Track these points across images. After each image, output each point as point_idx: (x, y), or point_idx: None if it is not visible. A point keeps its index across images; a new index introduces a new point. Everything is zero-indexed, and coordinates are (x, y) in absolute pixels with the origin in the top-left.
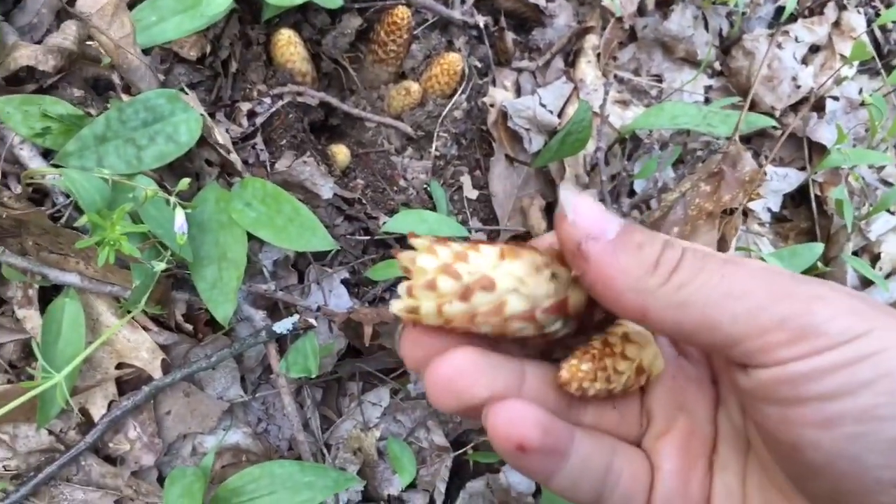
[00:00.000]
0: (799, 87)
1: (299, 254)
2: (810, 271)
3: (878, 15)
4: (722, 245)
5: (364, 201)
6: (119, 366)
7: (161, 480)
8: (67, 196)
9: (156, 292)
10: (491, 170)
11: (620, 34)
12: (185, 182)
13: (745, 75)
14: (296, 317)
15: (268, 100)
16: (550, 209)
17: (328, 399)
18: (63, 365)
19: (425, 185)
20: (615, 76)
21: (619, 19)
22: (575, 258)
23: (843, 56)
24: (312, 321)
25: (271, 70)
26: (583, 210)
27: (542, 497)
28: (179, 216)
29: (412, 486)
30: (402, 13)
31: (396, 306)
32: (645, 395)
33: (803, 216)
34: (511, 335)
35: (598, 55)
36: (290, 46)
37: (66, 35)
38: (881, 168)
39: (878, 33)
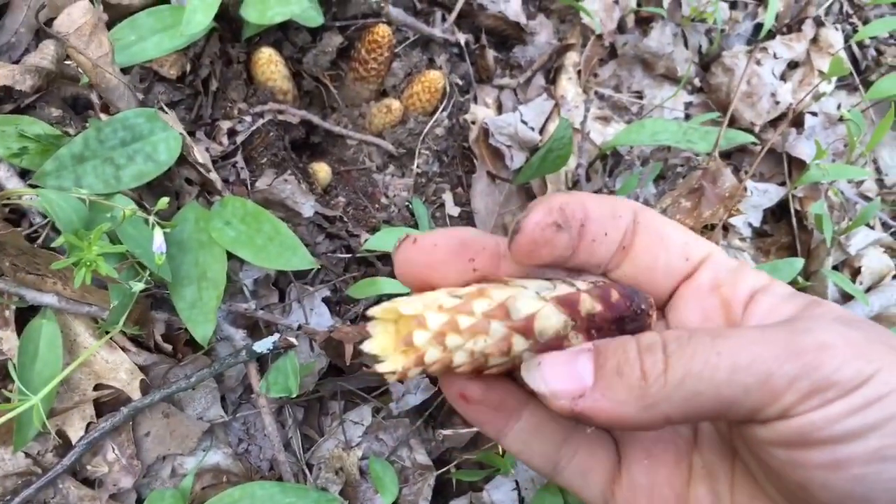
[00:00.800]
0: (778, 102)
1: (280, 272)
2: (790, 286)
3: (855, 31)
4: None
5: (345, 219)
6: (97, 387)
7: (140, 503)
8: (44, 216)
9: (134, 312)
10: (473, 187)
11: (601, 51)
12: (163, 201)
13: (725, 91)
14: (276, 336)
15: (248, 118)
16: None
17: (310, 418)
18: (40, 387)
19: (407, 203)
20: (596, 93)
21: (600, 37)
22: (578, 420)
23: (821, 72)
24: (293, 340)
25: (252, 88)
26: (551, 377)
27: None
28: (158, 236)
29: None
30: (383, 31)
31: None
32: None
33: (784, 231)
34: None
35: (579, 72)
36: (270, 65)
37: (45, 55)
38: (860, 182)
39: (855, 49)
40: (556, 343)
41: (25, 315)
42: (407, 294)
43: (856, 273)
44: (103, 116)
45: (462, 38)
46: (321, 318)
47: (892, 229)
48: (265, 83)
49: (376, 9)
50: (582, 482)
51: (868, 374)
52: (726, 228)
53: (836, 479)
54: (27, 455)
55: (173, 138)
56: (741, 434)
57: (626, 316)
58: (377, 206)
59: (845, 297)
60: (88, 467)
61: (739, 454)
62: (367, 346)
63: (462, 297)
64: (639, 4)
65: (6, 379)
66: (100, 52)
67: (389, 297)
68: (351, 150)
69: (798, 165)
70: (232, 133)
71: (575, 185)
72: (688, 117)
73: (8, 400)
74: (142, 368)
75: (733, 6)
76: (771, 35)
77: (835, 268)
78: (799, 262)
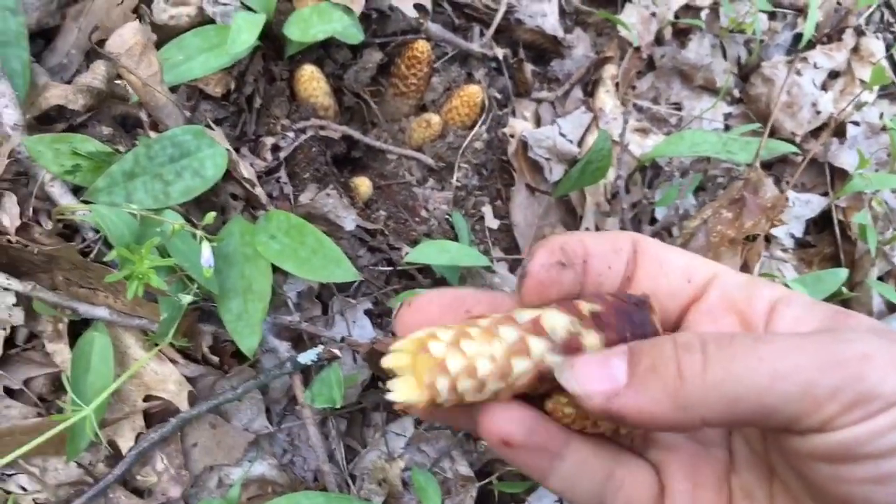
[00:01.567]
0: (819, 112)
1: (323, 285)
2: (835, 297)
3: None
4: (745, 271)
5: (386, 232)
6: (146, 398)
7: None
8: (97, 231)
9: (183, 325)
10: (512, 200)
11: (638, 63)
12: (210, 216)
13: (765, 102)
14: (320, 347)
15: (291, 134)
16: None
17: (352, 430)
18: (92, 398)
19: (447, 216)
20: (634, 105)
21: (637, 49)
22: (612, 421)
23: (862, 81)
24: (337, 352)
25: (294, 105)
26: (585, 377)
27: None
28: (206, 250)
29: None
30: (423, 47)
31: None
32: None
33: (826, 241)
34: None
35: (617, 84)
36: (312, 81)
37: (96, 75)
38: None
39: None
40: (574, 342)
41: (77, 328)
42: None
43: None
44: (152, 134)
45: (500, 52)
46: (363, 331)
47: None
48: (307, 99)
49: (415, 25)
50: None
51: None
52: (768, 239)
53: (881, 494)
54: (79, 465)
55: (219, 154)
56: (781, 449)
57: (628, 309)
58: (417, 219)
59: (890, 308)
60: (138, 477)
61: (778, 473)
62: (393, 396)
63: (463, 323)
64: (676, 16)
65: (59, 390)
66: (149, 72)
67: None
68: (391, 164)
69: (840, 175)
70: (275, 149)
71: (614, 197)
72: (727, 128)
73: (61, 411)
74: (189, 380)
75: (772, 16)
76: (811, 45)
77: (880, 278)
78: (843, 273)
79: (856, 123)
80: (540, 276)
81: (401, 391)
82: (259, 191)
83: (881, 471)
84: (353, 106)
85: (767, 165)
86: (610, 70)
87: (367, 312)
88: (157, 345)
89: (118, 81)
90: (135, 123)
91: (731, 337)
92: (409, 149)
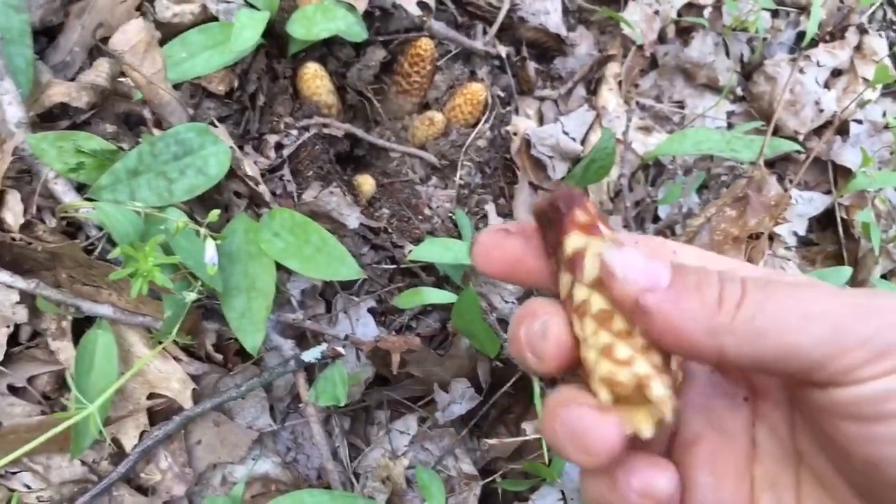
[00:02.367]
0: (822, 110)
1: (326, 283)
2: None
3: None
4: None
5: (390, 230)
6: (150, 396)
7: None
8: (100, 229)
9: (186, 323)
10: (515, 197)
11: (641, 62)
12: (214, 214)
13: (768, 100)
14: (324, 345)
15: (294, 132)
16: None
17: (356, 428)
18: (96, 396)
19: (450, 214)
20: (637, 103)
21: (640, 47)
22: (635, 315)
23: (865, 79)
24: (341, 350)
25: (298, 103)
26: (630, 264)
27: None
28: (210, 248)
29: None
30: (426, 45)
31: None
32: None
33: (830, 240)
34: None
35: (620, 83)
36: (316, 79)
37: (99, 72)
38: None
39: None
40: None
41: (81, 326)
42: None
43: None
44: (156, 131)
45: (503, 50)
46: (367, 329)
47: None
48: (310, 97)
49: (418, 23)
50: None
51: None
52: (771, 238)
53: None
54: (83, 463)
55: (223, 152)
56: (808, 413)
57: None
58: (420, 217)
59: None
60: (142, 475)
61: (805, 458)
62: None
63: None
64: (679, 14)
65: (63, 388)
66: (153, 69)
67: (434, 306)
68: (394, 162)
69: (843, 173)
70: (279, 147)
71: (617, 195)
72: (730, 126)
73: (65, 408)
74: (193, 378)
75: (775, 15)
76: (814, 43)
77: (883, 276)
78: (847, 271)
79: (859, 122)
80: (482, 239)
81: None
82: (263, 188)
83: None
84: (356, 104)
85: (770, 163)
86: (613, 68)
87: (371, 310)
88: (160, 342)
89: (121, 79)
90: (138, 121)
91: (767, 280)
92: (412, 147)
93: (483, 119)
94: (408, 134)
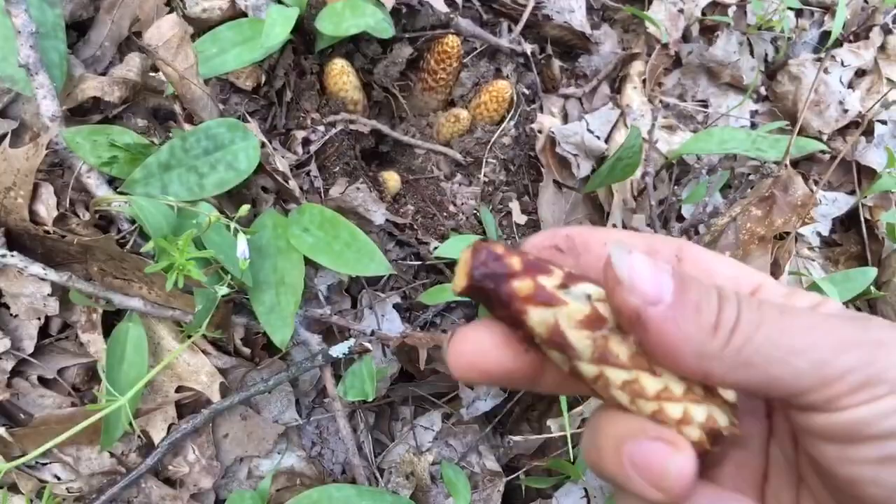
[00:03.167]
0: (846, 111)
1: (352, 279)
2: (863, 296)
3: None
4: (775, 269)
5: (415, 227)
6: (178, 389)
7: (219, 503)
8: (132, 222)
9: (216, 317)
10: (539, 195)
11: (666, 60)
12: (245, 208)
13: (791, 100)
14: (352, 341)
15: (321, 128)
16: None
17: (381, 423)
18: (126, 388)
19: (475, 211)
20: (661, 101)
21: (665, 46)
22: (633, 325)
23: (889, 80)
24: (368, 345)
25: (324, 99)
26: (638, 271)
27: None
28: (241, 242)
29: None
30: (452, 42)
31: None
32: None
33: (853, 240)
34: None
35: (644, 81)
36: (342, 76)
37: (131, 67)
38: None
39: None
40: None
41: (110, 319)
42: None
43: None
44: (186, 126)
45: (528, 48)
46: (392, 324)
47: None
48: (337, 94)
49: (445, 20)
50: None
51: None
52: (795, 238)
53: (887, 475)
54: (112, 455)
55: (253, 147)
56: (793, 419)
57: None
58: (445, 214)
59: None
60: (170, 467)
61: (805, 479)
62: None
63: None
64: (704, 13)
65: (92, 380)
66: (186, 65)
67: (458, 302)
68: (419, 158)
69: (868, 174)
70: (306, 142)
71: (641, 193)
72: (753, 126)
73: (94, 400)
74: (221, 371)
75: (800, 14)
76: (838, 43)
77: None
78: (872, 272)
79: (883, 122)
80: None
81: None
82: (293, 184)
83: (885, 452)
84: (382, 100)
85: (794, 163)
86: (637, 66)
87: (396, 306)
88: (190, 336)
89: (152, 74)
90: (166, 116)
91: (759, 303)
92: (437, 143)
93: (508, 116)
94: (433, 131)
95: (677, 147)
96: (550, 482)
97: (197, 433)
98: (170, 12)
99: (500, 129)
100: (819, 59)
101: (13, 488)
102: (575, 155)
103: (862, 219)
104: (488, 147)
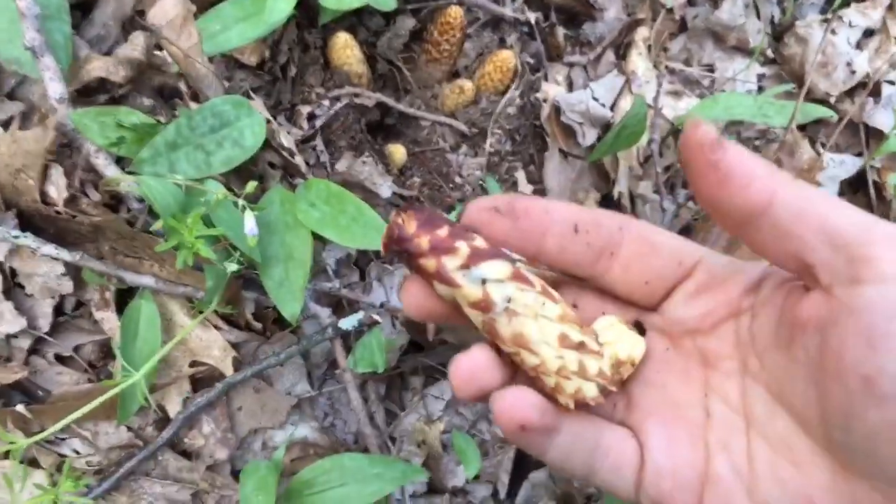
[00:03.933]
0: (854, 72)
1: (360, 252)
2: None
3: None
4: None
5: (421, 199)
6: (192, 364)
7: (234, 474)
8: (141, 201)
9: (227, 292)
10: (545, 164)
11: (671, 25)
12: (252, 185)
13: (799, 62)
14: (361, 313)
15: (326, 102)
16: (605, 202)
17: (391, 393)
18: (141, 364)
19: (481, 182)
20: (666, 67)
21: (670, 10)
22: (703, 153)
23: None
24: (377, 317)
25: (328, 73)
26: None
27: None
28: (249, 219)
29: (476, 477)
30: (455, 13)
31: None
32: (628, 387)
33: (862, 202)
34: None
35: (649, 47)
36: (346, 49)
37: (135, 46)
38: None
39: None
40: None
41: (123, 296)
42: None
43: None
44: (192, 104)
45: (532, 16)
46: None
47: None
48: (341, 67)
49: None
50: (615, 478)
51: None
52: None
53: None
54: (129, 429)
55: (258, 124)
56: (816, 324)
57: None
58: (452, 185)
59: None
60: (186, 440)
61: (754, 423)
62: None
63: None
64: None
65: (107, 357)
66: (190, 43)
67: None
68: (425, 130)
69: (876, 136)
70: (311, 117)
71: (647, 160)
72: (761, 89)
73: (110, 376)
74: (234, 346)
75: None
76: (846, 3)
77: None
78: None
79: (891, 83)
80: (471, 215)
81: None
82: (299, 159)
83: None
84: (386, 73)
85: (801, 126)
86: (642, 32)
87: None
88: (202, 312)
89: (157, 52)
90: (171, 94)
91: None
92: (442, 115)
93: (513, 86)
94: (438, 102)
95: (683, 113)
96: None
97: (211, 406)
98: None
99: (505, 99)
100: (826, 20)
101: (33, 463)
102: (580, 123)
103: (870, 181)
104: (493, 117)
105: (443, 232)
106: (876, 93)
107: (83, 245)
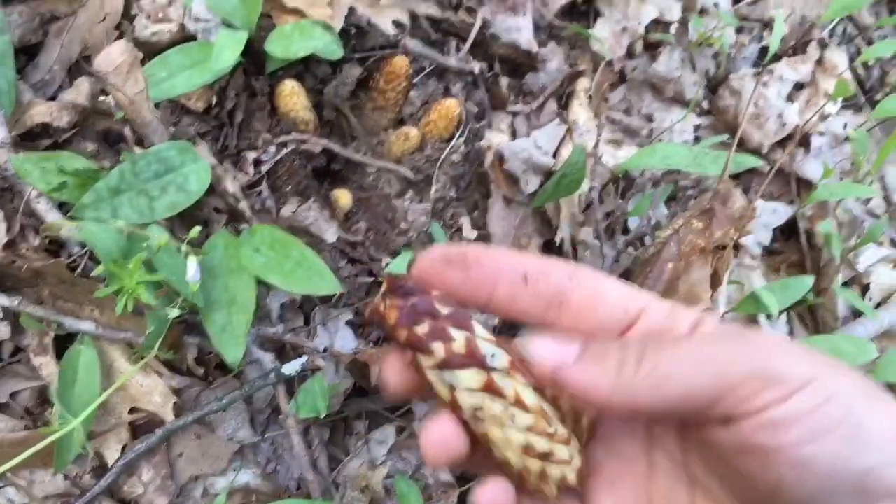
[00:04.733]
0: (785, 124)
1: (305, 297)
2: (802, 304)
3: (859, 52)
4: (715, 280)
5: (367, 244)
6: (132, 410)
7: None
8: (83, 246)
9: (168, 338)
10: (489, 211)
11: (611, 76)
12: (196, 230)
13: (733, 113)
14: (304, 358)
15: (273, 148)
16: (547, 248)
17: (335, 438)
18: (79, 411)
19: (426, 227)
20: (607, 117)
21: (609, 62)
22: (557, 388)
23: (827, 93)
24: (320, 362)
25: (275, 119)
26: (542, 349)
27: None
28: (191, 265)
29: None
30: (401, 62)
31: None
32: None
33: (793, 249)
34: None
35: (590, 97)
36: (293, 96)
37: (80, 91)
38: (867, 200)
39: (860, 70)
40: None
41: (63, 342)
42: None
43: (865, 290)
44: (137, 149)
45: (476, 66)
46: (345, 341)
47: None
48: (288, 114)
49: (393, 40)
50: None
51: (810, 375)
52: (737, 247)
53: (808, 475)
54: (66, 477)
55: (203, 169)
56: (714, 444)
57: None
58: (397, 230)
59: (855, 314)
60: (125, 488)
61: (698, 481)
62: None
63: None
64: (647, 31)
65: (45, 403)
66: (136, 89)
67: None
68: (371, 176)
69: (806, 185)
70: (257, 163)
71: (588, 207)
72: (697, 139)
73: (47, 423)
74: (175, 391)
75: (739, 30)
76: (777, 58)
77: (845, 284)
78: (809, 280)
79: (821, 134)
80: (422, 266)
81: None
82: (244, 204)
83: (804, 452)
84: (333, 120)
85: (736, 176)
86: (583, 83)
87: (349, 323)
88: (143, 357)
89: (102, 98)
90: (117, 138)
91: (659, 339)
92: (388, 161)
93: (457, 134)
94: (384, 149)
95: (623, 161)
96: None
97: (151, 453)
98: (119, 37)
99: (450, 146)
100: (758, 74)
101: None
102: (523, 171)
103: (801, 228)
104: (438, 164)
105: (422, 329)
106: (806, 143)
107: (22, 290)
